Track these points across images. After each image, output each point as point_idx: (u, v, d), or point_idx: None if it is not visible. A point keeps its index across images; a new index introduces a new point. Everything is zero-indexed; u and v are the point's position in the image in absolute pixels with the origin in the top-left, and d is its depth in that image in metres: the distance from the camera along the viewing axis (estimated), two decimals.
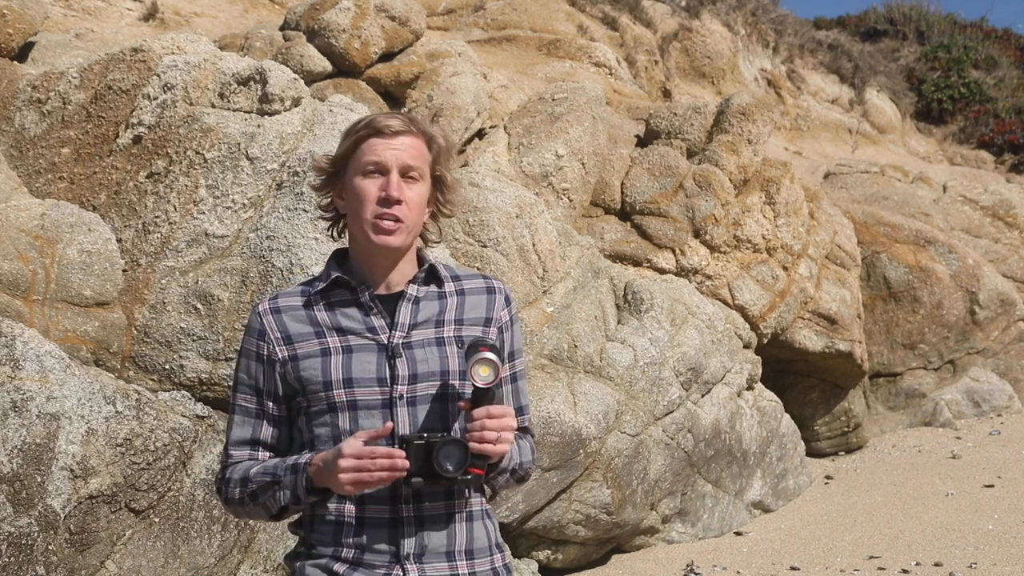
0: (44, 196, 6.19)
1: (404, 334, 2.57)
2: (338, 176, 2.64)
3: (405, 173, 2.58)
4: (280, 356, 2.59)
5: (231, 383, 2.70)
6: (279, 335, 2.60)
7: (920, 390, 10.57)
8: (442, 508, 2.56)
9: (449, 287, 2.65)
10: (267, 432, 2.62)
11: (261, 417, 2.62)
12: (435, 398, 2.55)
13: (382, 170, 2.57)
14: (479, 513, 2.63)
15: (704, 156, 9.14)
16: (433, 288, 2.64)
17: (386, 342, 2.56)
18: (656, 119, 9.59)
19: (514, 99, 9.99)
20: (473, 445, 2.45)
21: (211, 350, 5.73)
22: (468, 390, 2.54)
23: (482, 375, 2.47)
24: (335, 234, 2.70)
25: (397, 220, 2.55)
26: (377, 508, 2.53)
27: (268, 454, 2.63)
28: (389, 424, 2.48)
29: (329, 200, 2.68)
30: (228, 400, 5.35)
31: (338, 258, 2.68)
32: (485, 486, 2.66)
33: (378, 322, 2.58)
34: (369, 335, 2.57)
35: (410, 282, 2.62)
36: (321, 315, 2.60)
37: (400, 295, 2.61)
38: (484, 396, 2.48)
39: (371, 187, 2.57)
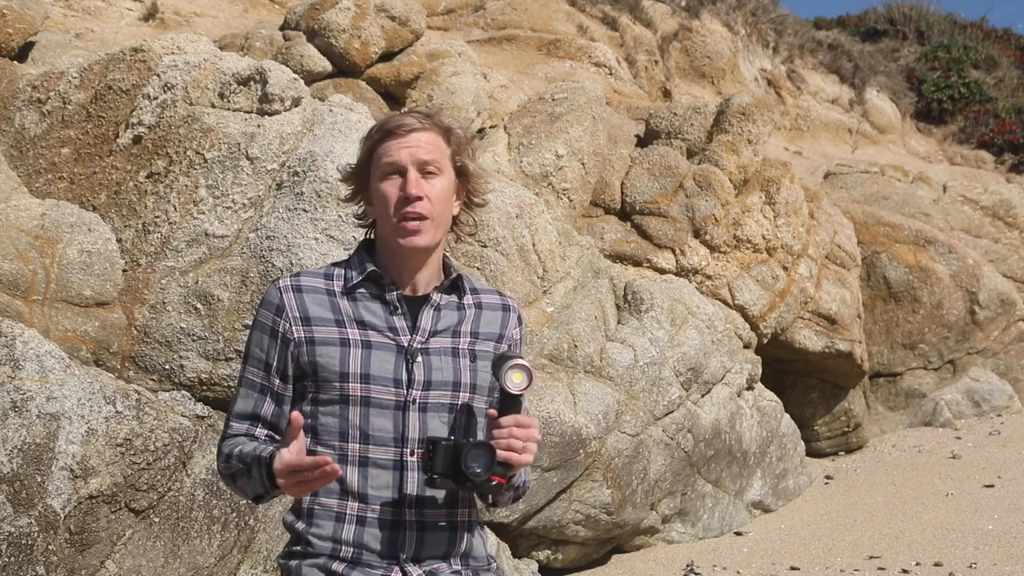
0: (44, 196, 6.18)
1: (424, 340, 2.57)
2: (364, 184, 2.65)
3: (423, 169, 2.57)
4: (296, 336, 2.57)
5: (243, 355, 2.69)
6: (297, 314, 2.58)
7: (920, 390, 10.57)
8: (444, 515, 2.57)
9: (468, 299, 2.66)
10: (268, 409, 2.61)
11: (265, 393, 2.60)
12: (445, 408, 2.55)
13: (399, 170, 2.57)
14: (475, 524, 2.64)
15: (704, 156, 9.14)
16: (454, 298, 2.65)
17: (406, 344, 2.56)
18: (656, 119, 9.59)
19: (514, 99, 9.99)
20: (500, 453, 2.45)
21: (211, 350, 5.73)
22: (478, 403, 2.56)
23: (515, 381, 2.47)
24: (372, 237, 2.69)
25: (421, 217, 2.55)
26: (380, 509, 2.53)
27: (266, 431, 2.62)
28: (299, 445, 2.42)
29: (362, 209, 2.68)
30: (228, 400, 5.36)
31: (368, 248, 2.67)
32: (480, 499, 2.67)
33: (400, 323, 2.57)
34: (390, 335, 2.56)
35: (435, 289, 2.62)
36: (343, 304, 2.59)
37: (424, 300, 2.61)
38: (512, 404, 2.48)
39: (391, 189, 2.57)
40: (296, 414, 2.41)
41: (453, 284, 2.65)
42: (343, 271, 2.63)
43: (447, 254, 2.70)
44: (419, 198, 2.54)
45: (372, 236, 2.69)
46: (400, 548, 2.53)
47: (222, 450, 2.61)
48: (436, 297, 2.61)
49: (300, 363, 2.58)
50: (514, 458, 2.46)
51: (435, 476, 2.45)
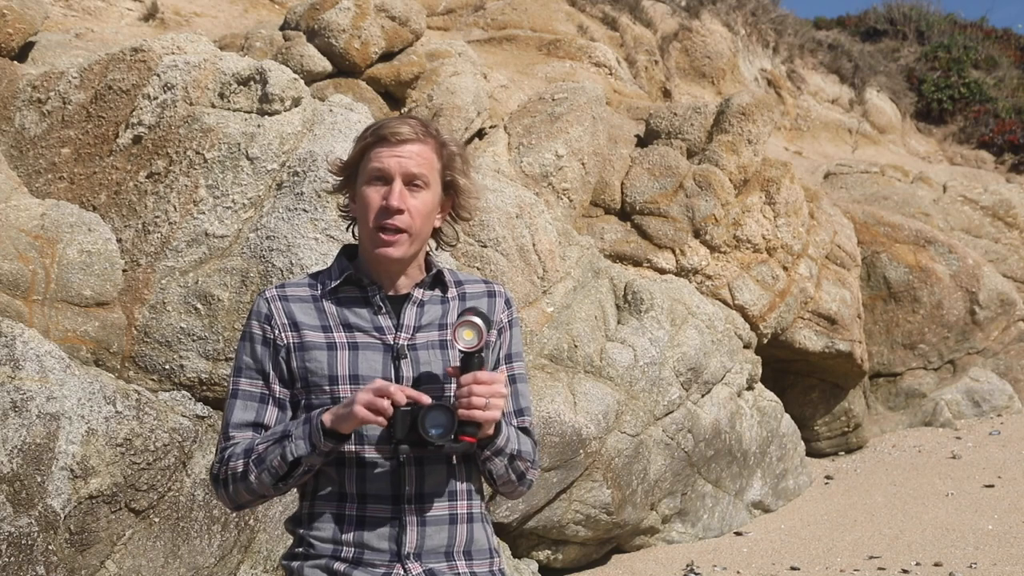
0: (44, 196, 6.18)
1: (409, 336, 2.58)
2: (351, 180, 2.66)
3: (409, 181, 2.57)
4: (285, 342, 2.59)
5: (232, 369, 2.67)
6: (285, 321, 2.60)
7: (920, 390, 10.57)
8: (445, 509, 2.56)
9: (452, 292, 2.66)
10: (272, 415, 2.60)
11: (266, 401, 2.60)
12: (439, 400, 2.55)
13: (386, 178, 2.57)
14: (479, 516, 2.63)
15: (704, 156, 9.14)
16: (437, 293, 2.65)
17: (392, 342, 2.57)
18: (656, 119, 9.58)
19: (514, 99, 9.99)
20: (462, 412, 2.44)
21: (211, 350, 5.73)
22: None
23: (465, 338, 2.47)
24: (354, 233, 2.70)
25: (398, 231, 2.55)
26: (379, 508, 2.53)
27: None
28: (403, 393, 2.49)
29: (347, 202, 2.69)
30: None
31: (348, 254, 2.68)
32: (486, 483, 2.66)
33: (385, 322, 2.59)
34: (376, 334, 2.58)
35: (416, 286, 2.63)
36: (329, 308, 2.60)
37: (406, 298, 2.62)
38: (471, 362, 2.47)
39: (375, 196, 2.57)
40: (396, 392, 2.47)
41: (435, 279, 2.66)
42: (325, 278, 2.65)
43: (430, 251, 2.70)
44: (399, 211, 2.55)
45: (355, 233, 2.70)
46: (401, 545, 2.53)
47: (233, 452, 2.57)
48: (417, 294, 2.62)
49: (291, 368, 2.59)
50: (477, 415, 2.44)
51: (398, 444, 2.44)
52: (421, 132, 2.61)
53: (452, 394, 2.54)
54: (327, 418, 2.47)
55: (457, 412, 2.44)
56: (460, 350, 2.47)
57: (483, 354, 2.50)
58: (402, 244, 2.56)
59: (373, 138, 2.61)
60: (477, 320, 2.47)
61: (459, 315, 2.51)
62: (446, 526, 2.56)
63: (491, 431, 2.50)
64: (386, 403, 2.41)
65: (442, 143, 2.63)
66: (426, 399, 2.44)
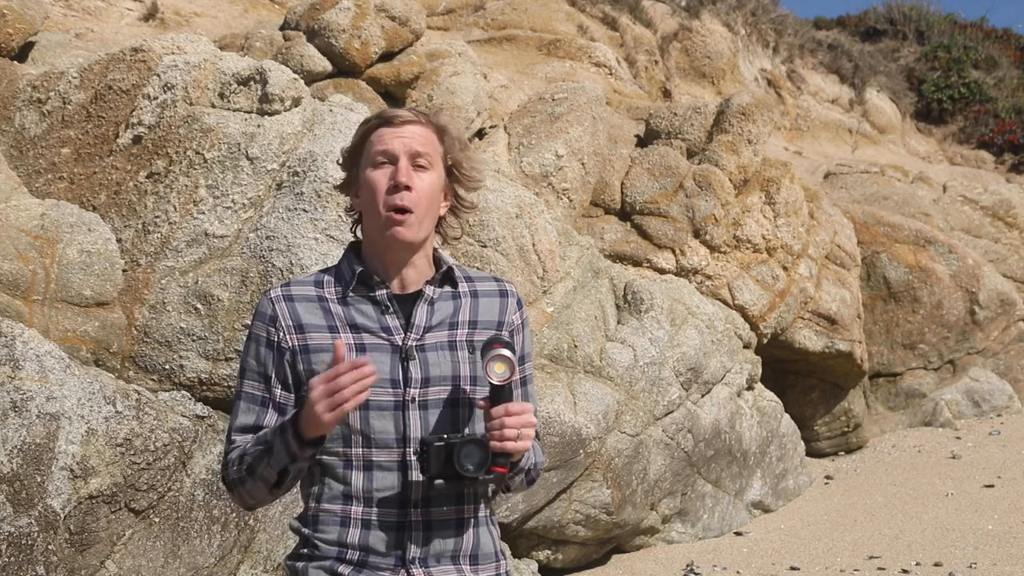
0: (44, 196, 6.18)
1: (418, 337, 2.55)
2: (353, 173, 2.63)
3: (414, 160, 2.55)
4: (290, 344, 2.55)
5: (238, 370, 2.65)
6: (290, 323, 2.56)
7: (920, 390, 10.57)
8: (452, 513, 2.55)
9: (463, 288, 2.63)
10: (272, 419, 2.57)
11: (267, 404, 2.58)
12: (446, 402, 2.53)
13: (391, 159, 2.55)
14: (484, 519, 2.61)
15: (704, 156, 9.14)
16: (448, 289, 2.62)
17: (400, 343, 2.54)
18: (656, 119, 9.58)
19: (514, 99, 9.99)
20: (494, 444, 2.44)
21: (211, 350, 5.73)
22: (481, 394, 2.52)
23: (497, 372, 2.45)
24: (358, 232, 2.67)
25: (406, 210, 2.53)
26: (385, 511, 2.51)
27: None
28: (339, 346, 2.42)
29: (351, 200, 2.66)
30: (228, 400, 5.35)
31: (355, 251, 2.65)
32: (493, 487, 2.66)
33: (393, 322, 2.55)
34: (383, 335, 2.54)
35: (427, 283, 2.60)
36: (335, 308, 2.57)
37: (416, 296, 2.58)
38: (501, 394, 2.47)
39: (381, 178, 2.55)
40: (339, 342, 2.40)
41: (445, 276, 2.63)
42: (333, 277, 2.61)
43: (437, 247, 2.68)
44: (407, 187, 2.53)
45: (359, 233, 2.67)
46: (406, 549, 2.51)
47: (230, 461, 2.57)
48: (429, 291, 2.59)
49: (296, 371, 2.56)
50: (509, 447, 2.44)
51: (433, 479, 2.44)
52: (422, 117, 2.60)
53: (461, 394, 2.53)
54: (300, 428, 2.44)
55: (490, 444, 2.44)
56: (492, 383, 2.45)
57: (512, 387, 2.50)
58: (411, 225, 2.53)
59: (376, 122, 2.60)
60: (507, 352, 2.46)
61: (485, 346, 2.49)
62: (453, 530, 2.55)
63: (519, 458, 2.52)
64: (345, 394, 2.36)
65: (443, 128, 2.62)
66: (365, 363, 2.37)
